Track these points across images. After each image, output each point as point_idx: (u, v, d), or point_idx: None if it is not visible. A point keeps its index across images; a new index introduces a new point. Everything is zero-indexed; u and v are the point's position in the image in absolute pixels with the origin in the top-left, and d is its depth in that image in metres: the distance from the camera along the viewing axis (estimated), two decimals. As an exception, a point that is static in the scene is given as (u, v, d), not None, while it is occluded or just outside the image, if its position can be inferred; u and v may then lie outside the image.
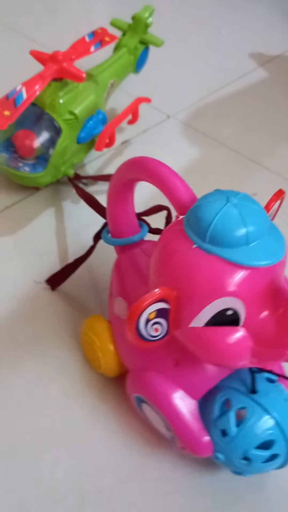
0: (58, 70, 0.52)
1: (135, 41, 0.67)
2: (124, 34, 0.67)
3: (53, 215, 0.59)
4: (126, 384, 0.40)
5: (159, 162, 0.35)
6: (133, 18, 0.66)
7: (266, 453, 0.35)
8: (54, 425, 0.42)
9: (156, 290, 0.30)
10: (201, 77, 0.89)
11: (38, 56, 0.53)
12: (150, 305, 0.30)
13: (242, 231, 0.30)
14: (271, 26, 1.06)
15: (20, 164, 0.55)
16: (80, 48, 0.58)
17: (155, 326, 0.31)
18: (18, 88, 0.50)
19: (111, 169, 0.65)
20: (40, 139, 0.55)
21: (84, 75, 0.53)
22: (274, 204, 0.34)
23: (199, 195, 0.33)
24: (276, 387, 0.36)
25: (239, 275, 0.30)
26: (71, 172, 0.58)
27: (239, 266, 0.30)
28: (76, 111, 0.56)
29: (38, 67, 0.54)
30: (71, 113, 0.55)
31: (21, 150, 0.55)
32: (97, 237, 0.49)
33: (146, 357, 0.38)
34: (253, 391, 0.35)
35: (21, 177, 0.55)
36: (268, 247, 0.30)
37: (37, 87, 0.50)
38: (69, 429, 0.42)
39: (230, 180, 0.67)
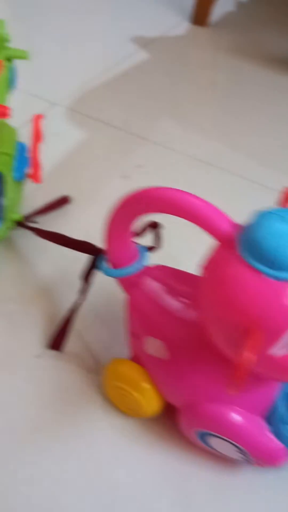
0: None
1: (3, 59, 0.59)
2: None
3: (20, 269, 0.53)
4: (180, 423, 0.39)
5: (182, 193, 0.31)
6: None
7: None
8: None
9: (252, 339, 0.28)
10: (83, 64, 0.89)
11: None
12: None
13: None
14: (148, 9, 1.07)
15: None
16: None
17: None
18: None
19: (36, 190, 0.58)
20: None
21: (8, 109, 0.46)
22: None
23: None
24: None
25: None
26: (19, 216, 0.52)
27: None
28: (8, 150, 0.49)
29: None
30: (4, 154, 0.49)
31: None
32: (87, 275, 0.43)
33: (202, 390, 0.37)
34: None
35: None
36: None
37: None
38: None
39: (118, 156, 0.68)
